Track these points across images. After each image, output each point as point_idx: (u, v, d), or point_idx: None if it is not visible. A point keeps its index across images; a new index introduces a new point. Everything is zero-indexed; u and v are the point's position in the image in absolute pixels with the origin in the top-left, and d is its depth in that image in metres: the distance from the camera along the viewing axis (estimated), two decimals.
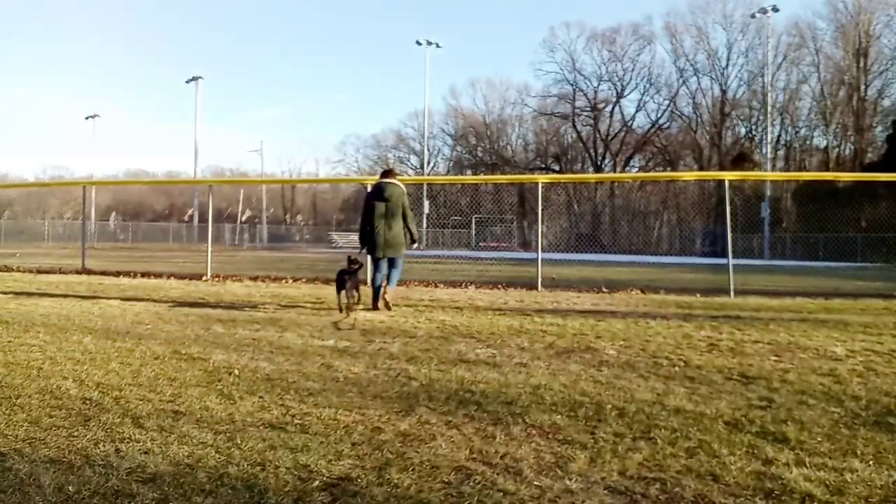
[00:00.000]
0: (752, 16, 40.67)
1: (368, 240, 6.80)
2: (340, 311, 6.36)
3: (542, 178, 11.61)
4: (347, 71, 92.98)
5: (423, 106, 49.29)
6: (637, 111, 53.64)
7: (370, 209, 6.81)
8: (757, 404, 3.22)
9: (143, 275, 11.63)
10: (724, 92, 47.93)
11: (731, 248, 10.11)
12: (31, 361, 3.93)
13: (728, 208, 10.68)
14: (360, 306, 6.60)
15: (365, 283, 7.29)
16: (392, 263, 6.93)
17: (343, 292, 6.34)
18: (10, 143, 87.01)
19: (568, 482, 2.18)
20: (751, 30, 45.33)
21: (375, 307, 6.70)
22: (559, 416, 2.95)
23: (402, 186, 6.95)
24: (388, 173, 7.15)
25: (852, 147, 43.77)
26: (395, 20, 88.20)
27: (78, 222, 38.68)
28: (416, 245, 7.17)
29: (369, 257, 7.11)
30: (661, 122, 52.19)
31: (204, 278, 11.05)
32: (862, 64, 42.15)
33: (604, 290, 9.63)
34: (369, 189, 7.41)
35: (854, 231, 28.78)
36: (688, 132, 50.49)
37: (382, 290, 6.71)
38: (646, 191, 48.98)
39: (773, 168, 42.14)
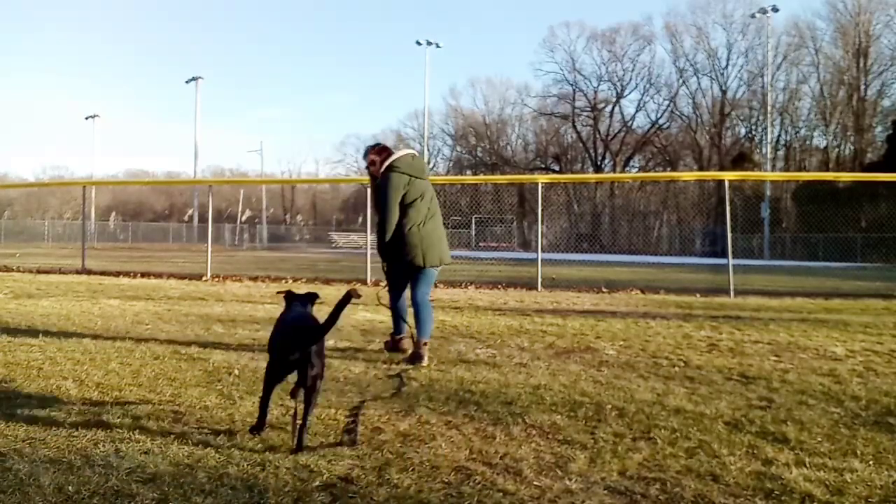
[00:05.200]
0: (752, 16, 40.72)
1: (399, 243, 4.28)
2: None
3: (542, 178, 11.63)
4: (347, 71, 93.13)
5: (423, 106, 49.33)
6: (637, 111, 53.75)
7: (402, 198, 4.28)
8: (757, 404, 3.22)
9: (143, 275, 11.64)
10: (723, 92, 47.97)
11: (730, 248, 10.12)
12: (31, 361, 3.93)
13: (728, 208, 10.70)
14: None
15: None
16: (424, 282, 4.40)
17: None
18: (10, 143, 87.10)
19: (568, 482, 2.18)
20: (751, 30, 45.42)
21: (397, 348, 4.46)
22: (559, 416, 2.95)
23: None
24: (385, 150, 4.51)
25: (852, 147, 43.78)
26: (395, 20, 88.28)
27: (78, 222, 38.67)
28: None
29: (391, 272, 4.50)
30: (660, 122, 52.27)
31: (204, 278, 11.05)
32: (862, 64, 42.17)
33: (604, 290, 9.63)
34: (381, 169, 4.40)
35: (854, 231, 28.77)
36: (688, 132, 50.51)
37: (412, 335, 4.32)
38: (646, 191, 48.98)
39: (773, 168, 42.14)
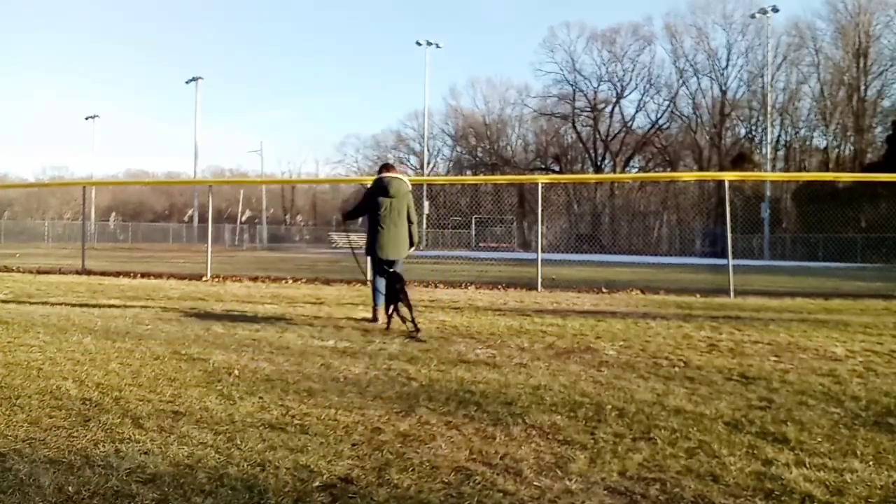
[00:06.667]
0: (752, 16, 40.72)
1: (369, 240, 6.03)
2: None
3: (542, 179, 11.61)
4: (347, 71, 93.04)
5: (423, 106, 49.46)
6: (637, 111, 53.81)
7: (373, 206, 6.00)
8: (757, 405, 3.22)
9: (143, 275, 11.63)
10: (723, 92, 47.99)
11: (730, 248, 10.12)
12: (31, 362, 3.93)
13: (728, 209, 10.69)
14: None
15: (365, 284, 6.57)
16: (391, 267, 5.96)
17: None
18: (10, 143, 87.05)
19: (568, 482, 2.18)
20: (751, 30, 45.47)
21: (375, 318, 5.96)
22: (559, 417, 2.95)
23: (409, 183, 6.21)
24: (389, 167, 6.31)
25: (852, 147, 43.79)
26: (395, 20, 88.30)
27: (78, 223, 38.67)
28: (413, 248, 6.26)
29: (370, 260, 6.38)
30: (660, 122, 52.32)
31: (204, 279, 11.05)
32: (862, 64, 42.18)
33: (604, 290, 9.63)
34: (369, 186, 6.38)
35: (854, 231, 28.81)
36: (688, 132, 50.52)
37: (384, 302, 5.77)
38: (646, 191, 49.04)
39: (773, 168, 42.16)
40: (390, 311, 5.45)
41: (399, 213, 5.97)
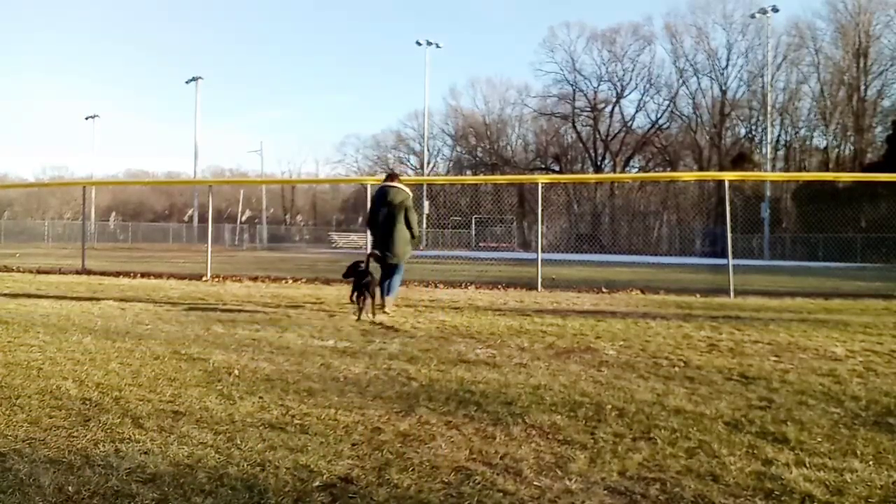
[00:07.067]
0: (752, 16, 40.71)
1: (376, 243, 6.79)
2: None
3: (542, 179, 11.61)
4: (347, 71, 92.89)
5: (423, 106, 49.49)
6: (637, 111, 53.74)
7: (374, 213, 6.81)
8: (757, 404, 3.22)
9: (143, 275, 11.63)
10: (723, 92, 47.96)
11: (730, 248, 10.12)
12: (31, 362, 3.93)
13: (728, 208, 10.69)
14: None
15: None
16: (393, 270, 6.79)
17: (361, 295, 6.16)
18: (10, 143, 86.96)
19: (568, 482, 2.18)
20: (751, 30, 45.43)
21: (383, 306, 6.56)
22: (559, 417, 2.95)
23: (407, 190, 6.85)
24: (391, 177, 7.07)
25: (852, 147, 43.76)
26: (395, 20, 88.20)
27: (78, 222, 38.67)
28: (413, 248, 7.01)
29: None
30: (660, 122, 52.27)
31: (204, 279, 11.05)
32: (862, 64, 42.16)
33: (604, 290, 9.63)
34: (370, 192, 7.20)
35: (854, 231, 28.79)
36: (688, 132, 50.50)
37: (379, 299, 6.47)
38: (646, 191, 49.04)
39: (773, 168, 42.15)
40: (360, 299, 6.14)
41: (397, 220, 6.64)
